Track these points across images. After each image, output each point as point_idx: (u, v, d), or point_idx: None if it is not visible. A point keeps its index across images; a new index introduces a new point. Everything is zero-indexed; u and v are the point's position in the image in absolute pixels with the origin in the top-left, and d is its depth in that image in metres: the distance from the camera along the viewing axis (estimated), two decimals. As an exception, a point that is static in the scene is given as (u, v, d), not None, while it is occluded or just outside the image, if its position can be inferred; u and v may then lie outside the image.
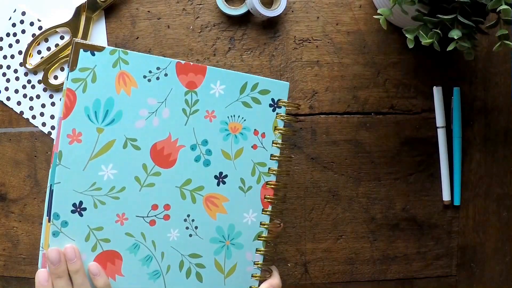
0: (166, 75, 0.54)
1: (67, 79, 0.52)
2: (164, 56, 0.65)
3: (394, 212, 0.67)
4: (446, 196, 0.67)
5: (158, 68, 0.54)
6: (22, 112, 0.65)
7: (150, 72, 0.53)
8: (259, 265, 0.57)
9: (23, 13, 0.65)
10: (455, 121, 0.66)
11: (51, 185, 0.52)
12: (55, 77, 0.65)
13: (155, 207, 0.54)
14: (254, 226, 0.57)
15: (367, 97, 0.67)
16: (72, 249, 0.52)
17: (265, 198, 0.57)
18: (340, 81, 0.66)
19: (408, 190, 0.67)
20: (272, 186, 0.57)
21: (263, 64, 0.66)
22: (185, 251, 0.56)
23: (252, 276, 0.57)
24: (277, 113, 0.57)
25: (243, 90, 0.56)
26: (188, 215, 0.55)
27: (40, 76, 0.65)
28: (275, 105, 0.57)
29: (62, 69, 0.65)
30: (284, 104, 0.57)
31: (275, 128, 0.57)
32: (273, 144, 0.57)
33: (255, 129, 0.57)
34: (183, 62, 0.54)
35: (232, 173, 0.56)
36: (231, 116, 0.56)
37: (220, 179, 0.56)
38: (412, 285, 0.68)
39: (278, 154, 0.57)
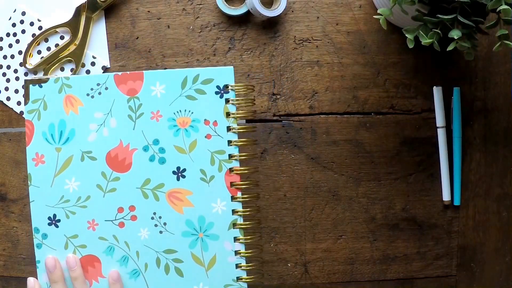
0: (106, 88, 0.58)
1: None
2: (164, 57, 0.65)
3: (394, 212, 0.67)
4: (446, 196, 0.67)
5: (98, 84, 0.58)
6: (22, 112, 0.65)
7: (92, 89, 0.58)
8: (241, 254, 0.58)
9: (23, 13, 0.65)
10: (455, 121, 0.66)
11: None
12: (55, 77, 0.65)
13: (120, 210, 0.58)
14: (226, 215, 0.58)
15: (367, 97, 0.67)
16: (73, 258, 0.58)
17: (231, 185, 0.58)
18: (340, 81, 0.66)
19: (408, 190, 0.67)
20: (238, 172, 0.57)
21: (263, 64, 0.66)
22: (158, 248, 0.58)
23: (237, 266, 0.58)
24: (226, 99, 0.58)
25: (184, 85, 0.58)
26: (154, 213, 0.58)
27: (40, 76, 0.65)
28: (222, 91, 0.58)
29: (62, 69, 0.65)
30: (232, 88, 0.58)
31: (228, 114, 0.58)
32: (229, 130, 0.58)
33: (205, 119, 0.58)
34: (120, 73, 0.58)
35: (190, 166, 0.58)
36: (178, 112, 0.58)
37: (179, 174, 0.58)
38: (412, 285, 0.68)
39: (236, 139, 0.57)
